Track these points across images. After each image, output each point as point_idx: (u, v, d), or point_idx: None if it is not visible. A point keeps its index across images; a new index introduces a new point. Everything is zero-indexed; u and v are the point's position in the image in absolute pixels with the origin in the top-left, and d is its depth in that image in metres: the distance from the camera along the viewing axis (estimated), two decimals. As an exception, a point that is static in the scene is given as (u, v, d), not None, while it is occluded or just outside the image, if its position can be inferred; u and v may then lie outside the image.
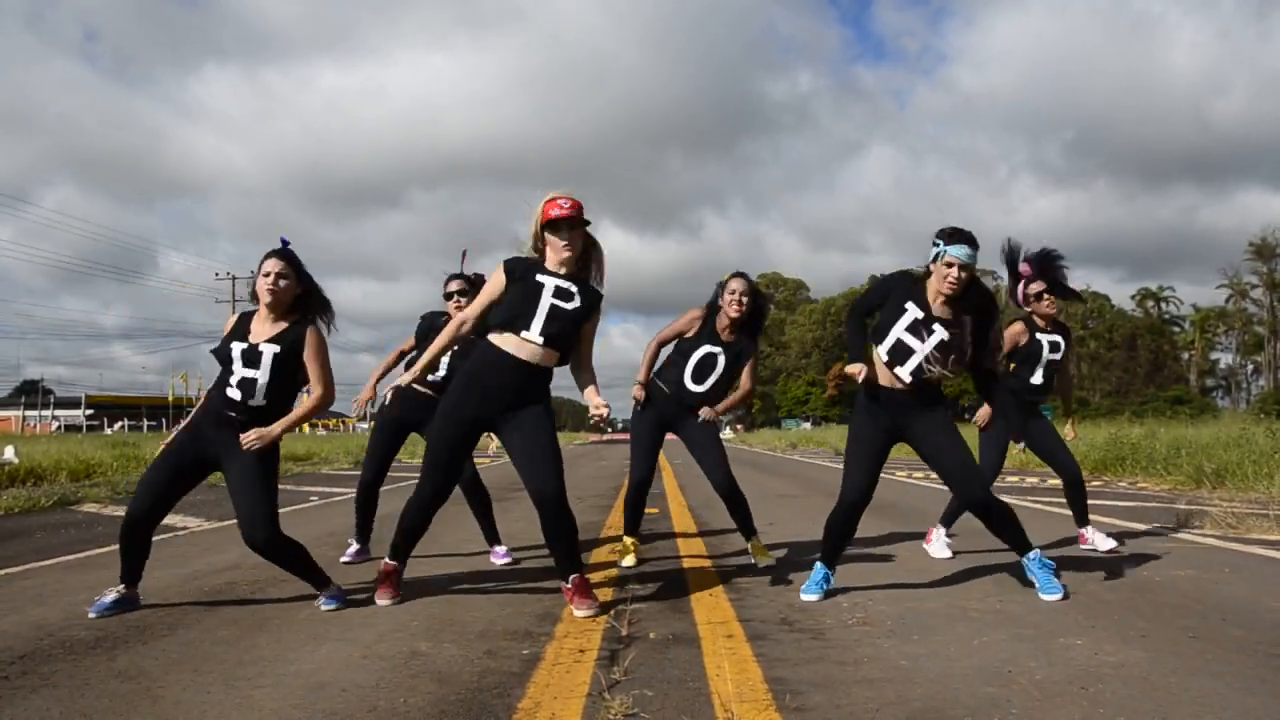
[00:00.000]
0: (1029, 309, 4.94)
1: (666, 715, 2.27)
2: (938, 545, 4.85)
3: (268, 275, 3.54)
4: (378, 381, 4.95)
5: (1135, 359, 71.13)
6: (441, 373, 4.61)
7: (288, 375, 3.54)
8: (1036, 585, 3.66)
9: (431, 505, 3.59)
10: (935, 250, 3.59)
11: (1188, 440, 11.44)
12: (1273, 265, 64.72)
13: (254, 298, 3.64)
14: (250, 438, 3.44)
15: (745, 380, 4.63)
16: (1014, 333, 4.95)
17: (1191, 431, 13.05)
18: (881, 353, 3.66)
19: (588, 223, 3.54)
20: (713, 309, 4.55)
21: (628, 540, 4.72)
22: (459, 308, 4.54)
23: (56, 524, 6.86)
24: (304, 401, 3.66)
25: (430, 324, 4.78)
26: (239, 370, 3.48)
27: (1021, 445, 4.97)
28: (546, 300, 3.46)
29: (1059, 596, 3.58)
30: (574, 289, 3.52)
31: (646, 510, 7.52)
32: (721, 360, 4.50)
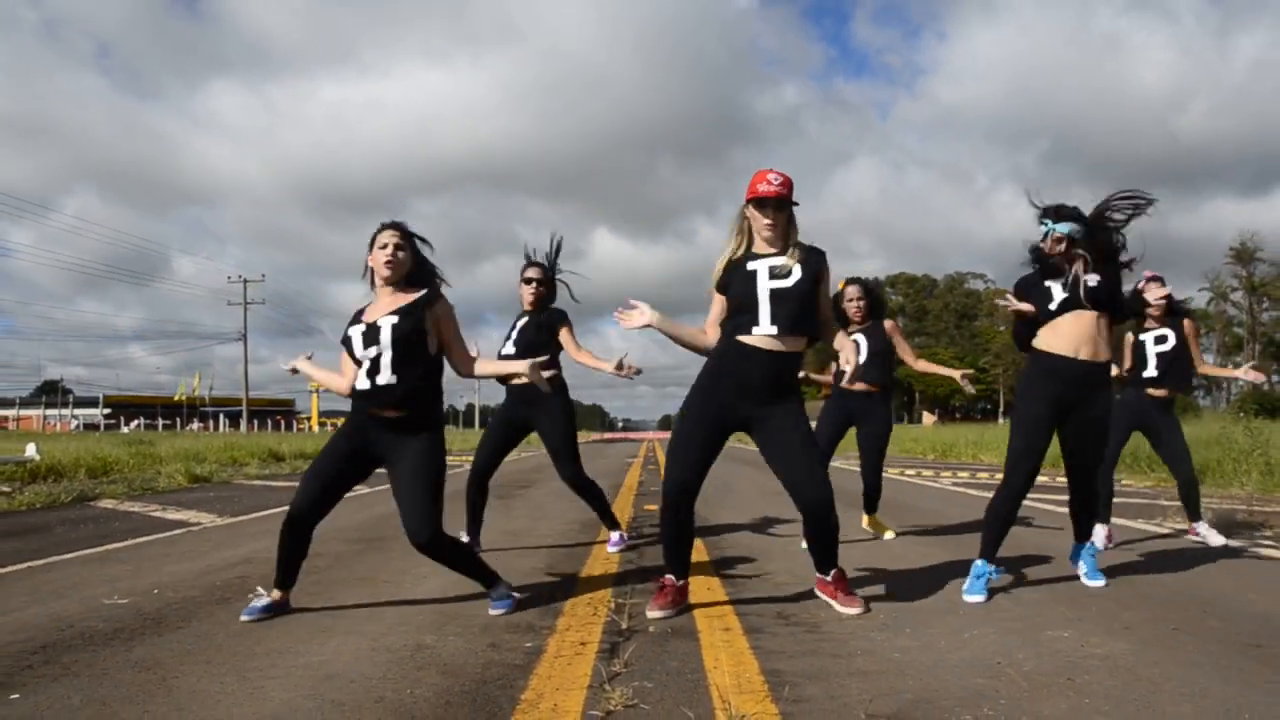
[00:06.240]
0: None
1: (666, 706, 2.33)
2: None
3: (384, 247, 3.35)
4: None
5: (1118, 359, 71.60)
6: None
7: (412, 348, 3.28)
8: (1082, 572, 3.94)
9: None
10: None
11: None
12: (1251, 269, 66.56)
13: (369, 278, 3.44)
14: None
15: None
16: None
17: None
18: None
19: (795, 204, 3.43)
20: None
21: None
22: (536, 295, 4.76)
23: (76, 519, 6.98)
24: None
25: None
26: (360, 352, 3.28)
27: None
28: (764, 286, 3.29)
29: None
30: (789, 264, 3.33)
31: (646, 507, 7.59)
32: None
